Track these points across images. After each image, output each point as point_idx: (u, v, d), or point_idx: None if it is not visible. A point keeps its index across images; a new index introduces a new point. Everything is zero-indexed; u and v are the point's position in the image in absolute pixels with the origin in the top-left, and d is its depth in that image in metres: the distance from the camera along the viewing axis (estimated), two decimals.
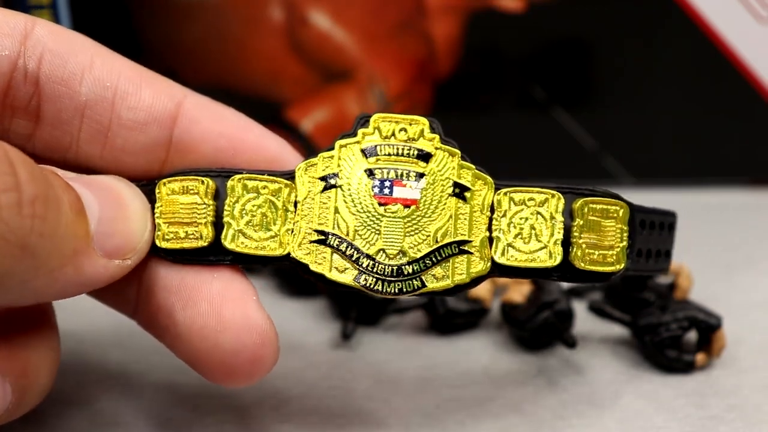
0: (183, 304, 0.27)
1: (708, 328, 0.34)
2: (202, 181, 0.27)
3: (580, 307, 0.38)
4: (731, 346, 0.35)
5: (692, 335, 0.34)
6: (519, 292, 0.37)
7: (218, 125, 0.29)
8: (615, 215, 0.28)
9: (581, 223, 0.28)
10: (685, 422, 0.31)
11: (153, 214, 0.27)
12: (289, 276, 0.41)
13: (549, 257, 0.27)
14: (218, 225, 0.27)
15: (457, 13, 0.50)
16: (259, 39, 0.50)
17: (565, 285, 0.38)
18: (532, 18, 0.50)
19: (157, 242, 0.27)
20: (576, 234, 0.27)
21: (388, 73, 0.51)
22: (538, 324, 0.35)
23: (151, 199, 0.28)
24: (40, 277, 0.24)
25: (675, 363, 0.34)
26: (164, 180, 0.28)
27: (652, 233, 0.30)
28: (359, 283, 0.27)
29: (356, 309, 0.37)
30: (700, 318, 0.34)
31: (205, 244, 0.27)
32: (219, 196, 0.27)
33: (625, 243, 0.28)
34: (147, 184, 0.28)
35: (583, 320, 0.37)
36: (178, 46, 0.51)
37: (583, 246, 0.27)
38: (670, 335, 0.34)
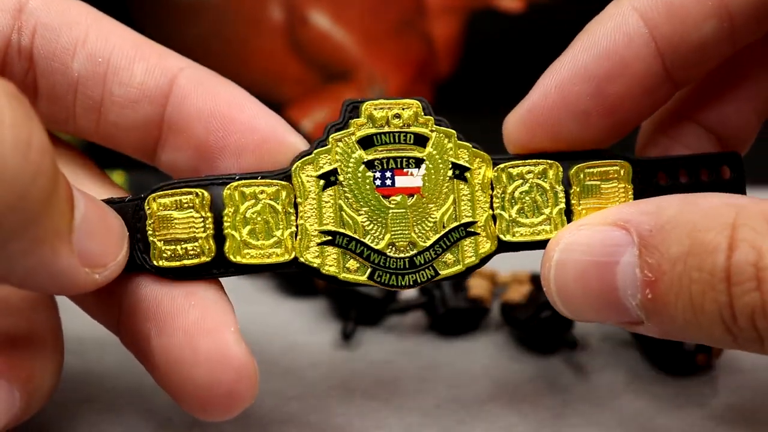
0: (158, 332, 0.25)
1: None
2: (197, 194, 0.26)
3: None
4: None
5: None
6: (519, 292, 0.37)
7: (210, 103, 0.28)
8: (615, 175, 0.28)
9: (578, 190, 0.28)
10: (685, 422, 0.31)
11: (130, 241, 0.26)
12: (289, 276, 0.41)
13: (554, 228, 0.28)
14: (219, 237, 0.26)
15: (457, 13, 0.50)
16: (259, 39, 0.50)
17: None
18: (532, 18, 0.50)
19: (155, 261, 0.26)
20: (575, 200, 0.28)
21: (388, 73, 0.51)
22: (537, 324, 0.35)
23: (140, 215, 0.26)
24: (21, 240, 0.22)
25: (675, 363, 0.34)
26: (153, 195, 0.26)
27: (679, 183, 0.29)
28: (374, 280, 0.27)
29: (356, 309, 0.37)
30: None
31: (208, 259, 0.26)
32: (215, 206, 0.26)
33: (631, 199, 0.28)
34: (134, 199, 0.27)
35: None
36: (178, 46, 0.51)
37: (583, 212, 0.28)
38: None
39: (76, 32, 0.28)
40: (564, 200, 0.28)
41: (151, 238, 0.26)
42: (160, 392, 0.33)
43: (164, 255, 0.26)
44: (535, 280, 0.37)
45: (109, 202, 0.27)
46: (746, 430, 0.31)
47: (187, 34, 0.51)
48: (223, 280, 0.43)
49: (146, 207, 0.26)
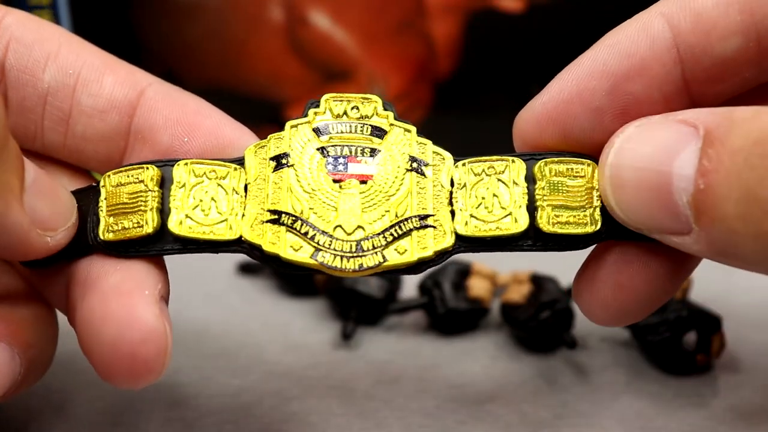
0: (82, 295, 0.26)
1: (708, 328, 0.34)
2: (147, 168, 0.26)
3: None
4: (731, 346, 0.35)
5: (692, 335, 0.34)
6: (519, 292, 0.37)
7: (177, 113, 0.28)
8: (581, 174, 0.27)
9: (543, 185, 0.27)
10: (685, 422, 0.31)
11: (87, 222, 0.27)
12: (290, 276, 0.41)
13: (514, 222, 0.26)
14: (164, 212, 0.26)
15: (457, 13, 0.50)
16: (259, 39, 0.50)
17: (565, 284, 0.38)
18: (532, 18, 0.50)
19: (102, 235, 0.26)
20: (539, 196, 0.27)
21: (388, 73, 0.51)
22: (537, 324, 0.35)
23: (97, 195, 0.27)
24: None
25: (675, 363, 0.34)
26: (109, 173, 0.27)
27: None
28: (316, 260, 0.25)
29: (356, 309, 0.37)
30: (700, 318, 0.34)
31: (150, 231, 0.26)
32: (165, 184, 0.26)
33: (599, 203, 0.26)
34: (95, 185, 0.27)
35: (583, 320, 0.37)
36: (178, 46, 0.51)
37: (549, 208, 0.26)
38: (671, 335, 0.34)
39: (48, 47, 0.28)
40: (527, 196, 0.27)
41: (101, 214, 0.26)
42: (161, 392, 0.33)
43: (111, 228, 0.26)
44: (535, 280, 0.37)
45: (75, 192, 0.27)
46: (746, 430, 0.31)
47: (187, 34, 0.51)
48: (220, 279, 0.43)
49: (101, 184, 0.27)
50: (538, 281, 0.37)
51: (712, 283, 0.41)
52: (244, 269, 0.43)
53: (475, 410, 0.32)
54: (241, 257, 0.42)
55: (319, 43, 0.50)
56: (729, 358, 0.35)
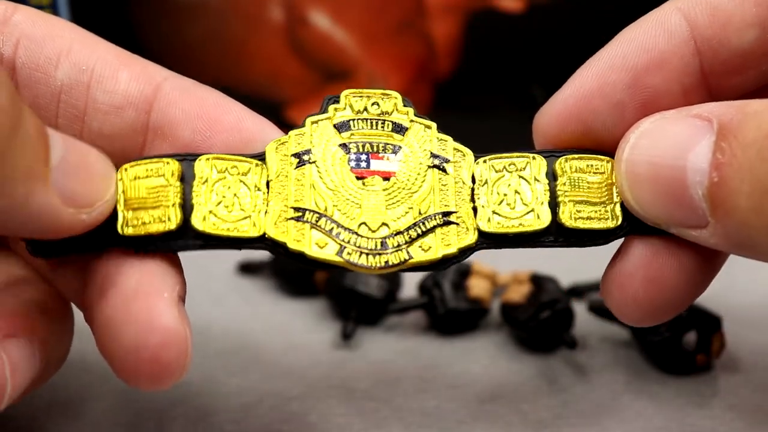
0: (100, 294, 0.25)
1: (708, 328, 0.34)
2: (167, 162, 0.26)
3: (580, 307, 0.38)
4: (731, 346, 0.35)
5: (692, 335, 0.34)
6: (519, 292, 0.37)
7: (196, 107, 0.28)
8: (601, 170, 0.27)
9: (565, 181, 0.27)
10: (685, 422, 0.31)
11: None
12: (290, 276, 0.41)
13: (537, 219, 0.26)
14: (186, 207, 0.25)
15: (457, 13, 0.50)
16: (259, 39, 0.50)
17: (565, 284, 0.38)
18: (532, 18, 0.50)
19: (120, 230, 0.25)
20: (561, 192, 0.27)
21: (388, 73, 0.51)
22: (537, 324, 0.35)
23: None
24: None
25: (675, 363, 0.34)
26: (126, 165, 0.26)
27: None
28: (342, 257, 0.25)
29: (356, 309, 0.37)
30: (701, 318, 0.34)
31: (173, 227, 0.25)
32: (185, 179, 0.26)
33: (618, 199, 0.27)
34: None
35: (583, 320, 0.37)
36: (178, 46, 0.51)
37: (570, 204, 0.27)
38: (671, 335, 0.34)
39: (60, 44, 0.28)
40: (548, 192, 0.27)
41: (119, 207, 0.26)
42: (161, 392, 0.33)
43: (130, 223, 0.26)
44: (535, 280, 0.37)
45: None
46: (746, 430, 0.31)
47: (187, 34, 0.51)
48: (220, 279, 0.44)
49: (118, 177, 0.26)
50: (538, 281, 0.37)
51: (712, 283, 0.41)
52: (244, 269, 0.43)
53: (475, 410, 0.32)
54: (242, 257, 0.42)
55: (319, 43, 0.50)
56: (729, 358, 0.35)
